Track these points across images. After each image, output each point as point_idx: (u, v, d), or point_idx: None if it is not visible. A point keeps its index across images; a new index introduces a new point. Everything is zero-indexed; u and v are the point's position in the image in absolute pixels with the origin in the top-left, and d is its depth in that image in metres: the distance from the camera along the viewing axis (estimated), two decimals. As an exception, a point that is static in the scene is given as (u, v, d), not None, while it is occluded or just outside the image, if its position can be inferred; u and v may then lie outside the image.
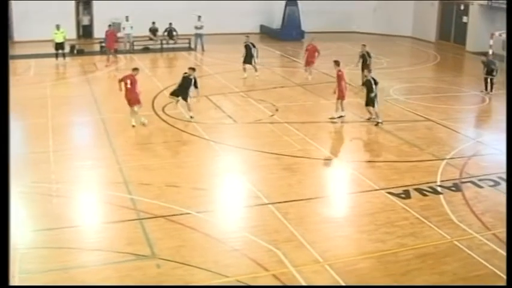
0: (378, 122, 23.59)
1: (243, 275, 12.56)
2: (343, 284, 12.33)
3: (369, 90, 23.61)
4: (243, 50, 31.87)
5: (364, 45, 30.59)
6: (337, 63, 24.64)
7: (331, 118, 23.99)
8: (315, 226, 15.00)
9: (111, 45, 36.45)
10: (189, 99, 23.79)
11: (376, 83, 23.73)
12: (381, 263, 13.24)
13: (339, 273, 12.66)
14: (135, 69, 23.35)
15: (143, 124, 22.76)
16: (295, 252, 13.49)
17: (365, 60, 29.95)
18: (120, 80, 22.86)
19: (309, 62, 32.15)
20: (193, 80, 23.79)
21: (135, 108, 22.79)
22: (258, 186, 17.23)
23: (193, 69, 24.32)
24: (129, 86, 22.52)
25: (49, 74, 32.98)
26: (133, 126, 22.63)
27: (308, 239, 14.08)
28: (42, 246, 13.76)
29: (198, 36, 40.37)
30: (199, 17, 40.17)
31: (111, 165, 18.90)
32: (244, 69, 31.52)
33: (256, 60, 31.65)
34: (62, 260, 13.05)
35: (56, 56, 35.72)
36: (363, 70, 29.28)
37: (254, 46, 31.81)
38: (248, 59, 31.67)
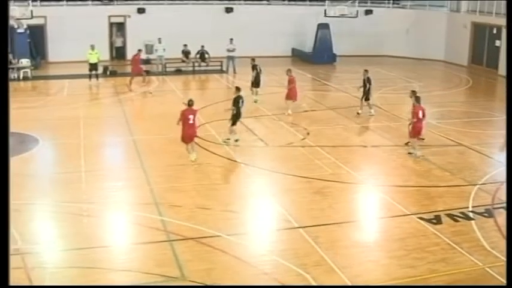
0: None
1: (272, 298, 12.54)
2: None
3: None
4: (253, 73, 32.73)
5: (366, 71, 30.15)
6: (417, 98, 23.09)
7: (409, 153, 23.06)
8: (345, 251, 14.92)
9: (138, 70, 36.13)
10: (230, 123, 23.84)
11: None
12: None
13: (369, 299, 12.59)
14: (191, 101, 21.62)
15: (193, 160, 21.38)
16: (324, 277, 13.42)
17: (365, 86, 29.58)
18: (181, 118, 21.07)
19: (291, 95, 29.51)
20: (233, 100, 23.84)
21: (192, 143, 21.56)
22: (289, 209, 17.19)
23: (237, 88, 24.26)
24: (191, 121, 21.09)
25: (82, 95, 33.29)
26: (194, 160, 21.34)
27: (338, 264, 14.00)
28: (71, 265, 13.83)
29: (230, 58, 40.55)
30: (231, 39, 40.36)
31: (142, 186, 18.98)
32: (256, 93, 32.07)
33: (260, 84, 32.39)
34: (91, 279, 13.10)
35: (90, 76, 36.11)
36: (364, 95, 29.36)
37: (260, 69, 32.59)
38: (258, 82, 32.32)
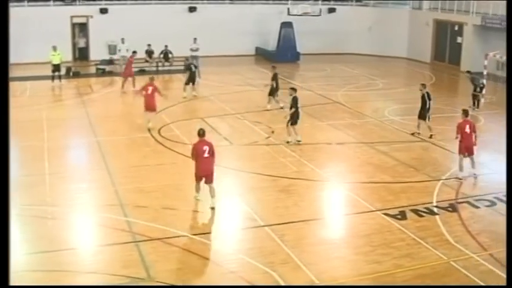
0: (431, 135, 25.06)
1: (239, 297, 12.55)
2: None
3: (424, 104, 25.03)
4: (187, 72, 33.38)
5: (274, 67, 30.72)
6: (465, 112, 21.20)
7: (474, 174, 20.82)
8: (311, 248, 14.98)
9: (131, 72, 35.12)
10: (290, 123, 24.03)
11: (430, 99, 25.08)
12: (378, 284, 13.22)
13: (336, 295, 12.67)
14: (202, 131, 17.86)
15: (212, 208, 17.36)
16: (291, 274, 13.47)
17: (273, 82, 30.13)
18: (193, 153, 17.47)
19: (149, 106, 26.10)
20: (292, 101, 23.99)
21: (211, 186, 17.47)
22: (254, 208, 17.21)
23: (293, 89, 24.50)
24: (206, 155, 17.24)
25: (45, 96, 32.96)
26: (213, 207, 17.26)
27: (304, 261, 14.06)
28: (37, 269, 13.71)
29: (194, 58, 40.34)
30: (195, 39, 40.22)
31: (107, 187, 18.87)
32: (193, 89, 33.04)
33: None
34: (58, 282, 12.98)
35: (52, 78, 35.70)
36: (270, 93, 29.95)
37: (196, 67, 33.67)
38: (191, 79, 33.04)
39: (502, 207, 17.79)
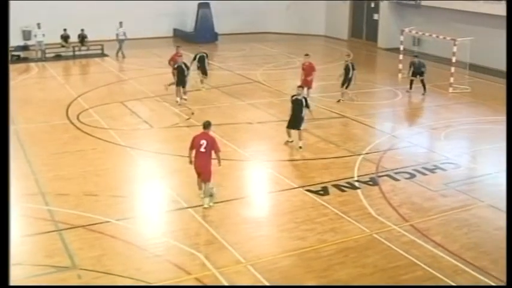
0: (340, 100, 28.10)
1: (165, 280, 12.50)
2: (268, 284, 12.40)
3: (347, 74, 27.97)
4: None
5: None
6: (306, 55, 28.39)
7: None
8: (235, 227, 15.05)
9: None
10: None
11: (353, 69, 28.09)
12: (303, 260, 13.38)
13: (262, 273, 12.74)
14: (207, 123, 16.74)
15: None
16: (217, 255, 13.51)
17: (201, 61, 30.29)
18: (191, 148, 16.33)
19: None
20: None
21: (209, 184, 16.34)
22: (177, 190, 17.17)
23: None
24: (202, 149, 16.09)
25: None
26: (208, 207, 16.10)
27: (229, 241, 14.11)
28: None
29: (121, 42, 39.60)
30: (121, 23, 39.55)
31: (27, 176, 18.46)
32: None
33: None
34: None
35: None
36: (203, 73, 30.39)
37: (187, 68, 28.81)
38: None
39: (421, 178, 18.26)
